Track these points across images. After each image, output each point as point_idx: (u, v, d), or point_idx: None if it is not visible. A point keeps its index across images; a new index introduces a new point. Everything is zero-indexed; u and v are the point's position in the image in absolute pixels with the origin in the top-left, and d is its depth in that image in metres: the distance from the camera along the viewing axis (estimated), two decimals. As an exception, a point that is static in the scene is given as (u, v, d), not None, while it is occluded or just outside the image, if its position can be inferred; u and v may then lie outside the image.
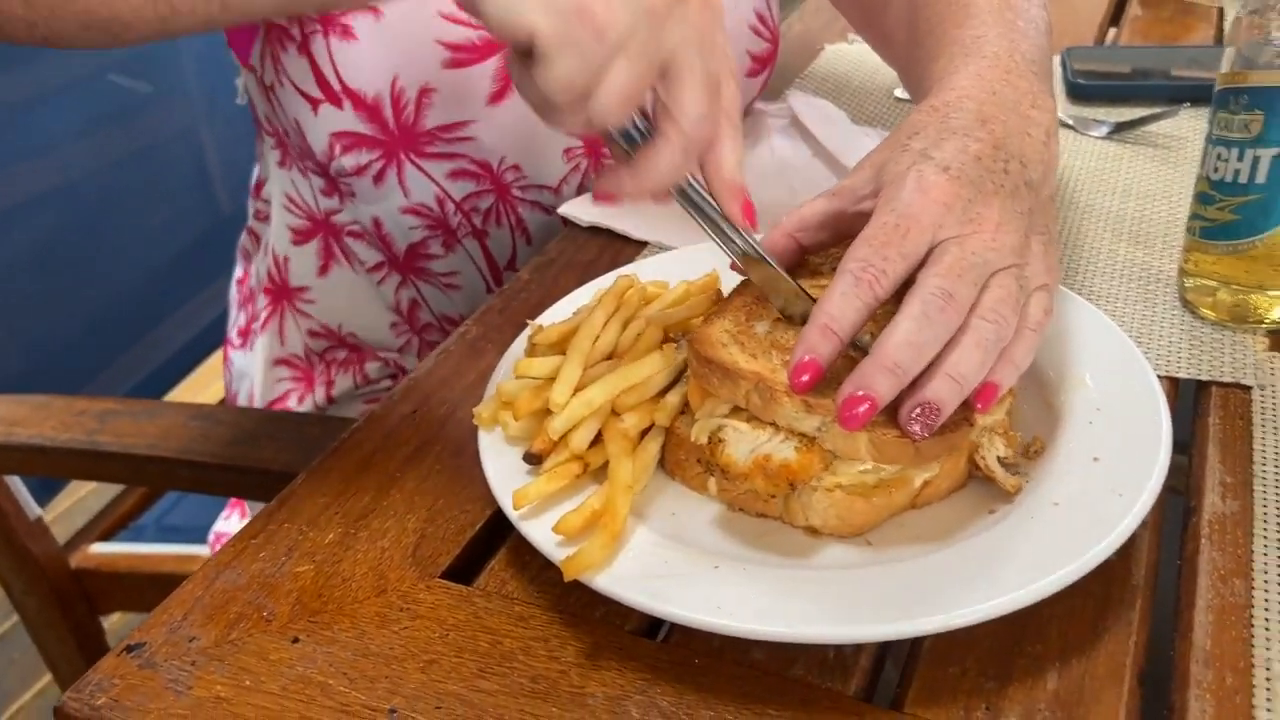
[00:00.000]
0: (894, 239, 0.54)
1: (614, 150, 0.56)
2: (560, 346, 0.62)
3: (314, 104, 0.84)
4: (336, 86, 0.82)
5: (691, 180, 0.58)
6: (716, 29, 0.54)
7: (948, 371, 0.52)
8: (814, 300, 0.57)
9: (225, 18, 0.62)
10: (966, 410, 0.54)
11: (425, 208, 0.91)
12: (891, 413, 0.52)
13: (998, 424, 0.57)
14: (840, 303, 0.53)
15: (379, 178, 0.88)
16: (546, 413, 0.58)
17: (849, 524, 0.54)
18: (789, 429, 0.54)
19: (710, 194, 0.58)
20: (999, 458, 0.56)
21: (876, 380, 0.51)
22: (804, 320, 0.55)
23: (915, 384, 0.52)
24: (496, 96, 0.87)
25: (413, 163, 0.87)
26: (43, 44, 0.64)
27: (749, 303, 0.61)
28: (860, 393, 0.50)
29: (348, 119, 0.84)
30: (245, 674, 0.51)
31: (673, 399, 0.59)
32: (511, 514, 0.55)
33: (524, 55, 0.51)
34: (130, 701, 0.50)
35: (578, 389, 0.58)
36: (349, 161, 0.86)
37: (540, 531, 0.54)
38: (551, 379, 0.59)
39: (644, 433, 0.59)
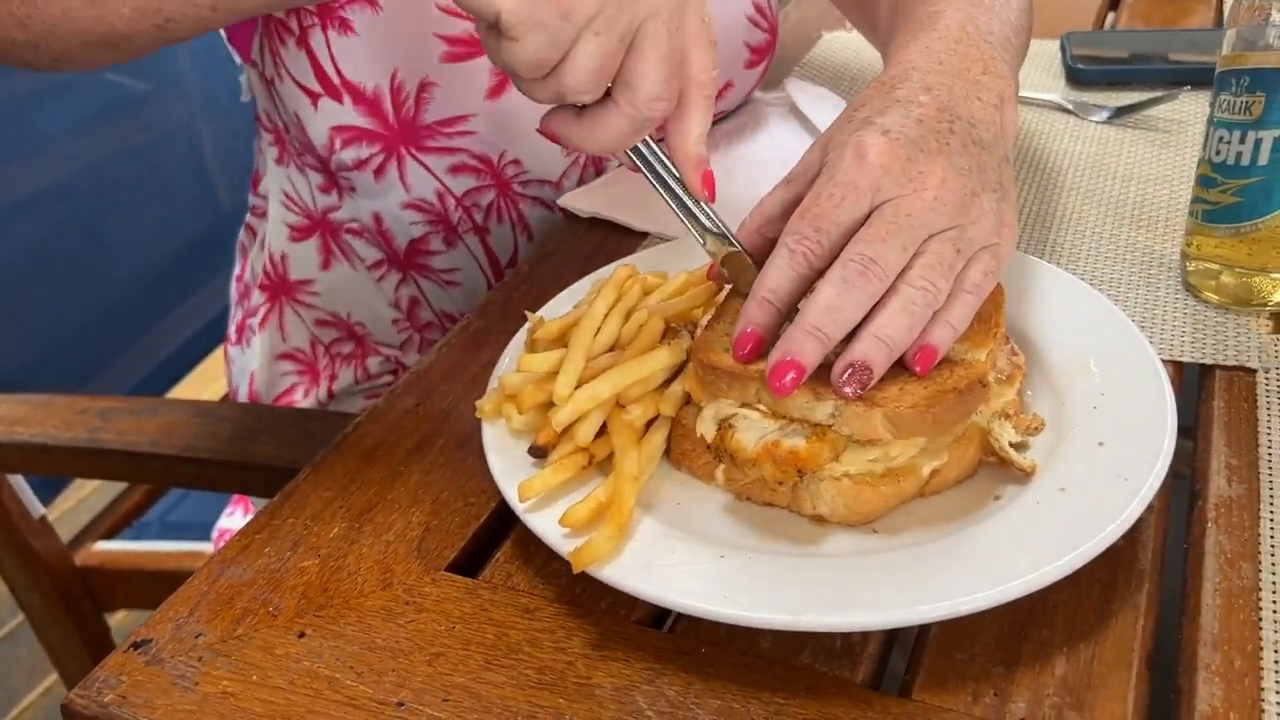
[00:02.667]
0: (828, 207, 0.55)
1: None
2: (562, 340, 0.62)
3: (314, 98, 0.84)
4: (336, 80, 0.82)
5: (655, 148, 0.58)
6: (689, 1, 0.55)
7: (874, 333, 0.53)
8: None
9: (217, 18, 0.62)
10: (975, 376, 0.54)
11: (426, 203, 0.90)
12: (902, 388, 0.53)
13: (1009, 405, 0.57)
14: (776, 275, 0.55)
15: (379, 172, 0.88)
16: (550, 406, 0.58)
17: (857, 513, 0.54)
18: (802, 419, 0.53)
19: (672, 162, 0.58)
20: (1011, 442, 0.56)
21: (800, 344, 0.52)
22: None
23: (846, 347, 0.53)
24: (496, 90, 0.86)
25: (413, 157, 0.87)
26: (54, 67, 0.64)
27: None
28: (787, 358, 0.51)
29: (348, 113, 0.84)
30: (252, 669, 0.51)
31: (677, 389, 0.59)
32: (517, 507, 0.55)
33: (494, 28, 0.51)
34: (137, 698, 0.50)
35: (581, 381, 0.57)
36: (349, 155, 0.86)
37: (546, 524, 0.54)
38: (555, 373, 0.59)
39: (649, 423, 0.59)
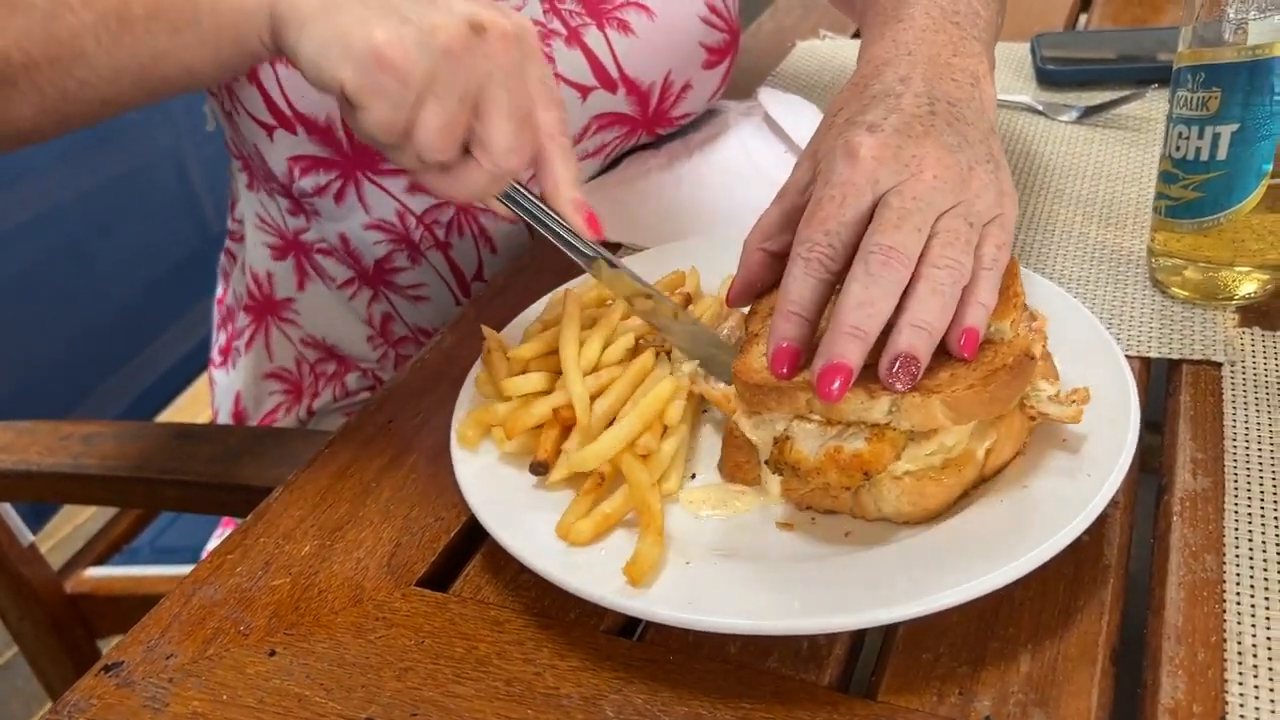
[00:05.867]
0: (831, 210, 0.55)
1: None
2: (542, 363, 0.62)
3: (269, 130, 0.84)
4: (288, 113, 0.83)
5: (523, 190, 0.60)
6: (527, 61, 0.57)
7: (911, 322, 0.53)
8: (659, 296, 0.62)
9: (109, 110, 0.62)
10: (1022, 350, 0.54)
11: (387, 223, 0.91)
12: (953, 373, 0.53)
13: (1044, 369, 0.57)
14: (796, 286, 0.55)
15: (339, 196, 0.88)
16: (538, 428, 0.59)
17: (922, 508, 0.54)
18: (859, 421, 0.53)
19: (553, 210, 0.60)
20: (1049, 397, 0.56)
21: (842, 347, 0.52)
22: (655, 318, 0.61)
23: (886, 343, 0.53)
24: None
25: (370, 180, 0.88)
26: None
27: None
28: (832, 363, 0.51)
29: (303, 143, 0.85)
30: (223, 688, 0.52)
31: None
32: (510, 542, 0.54)
33: (346, 101, 0.55)
34: (108, 720, 0.50)
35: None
36: (308, 183, 0.87)
37: (527, 546, 0.54)
38: (538, 393, 0.60)
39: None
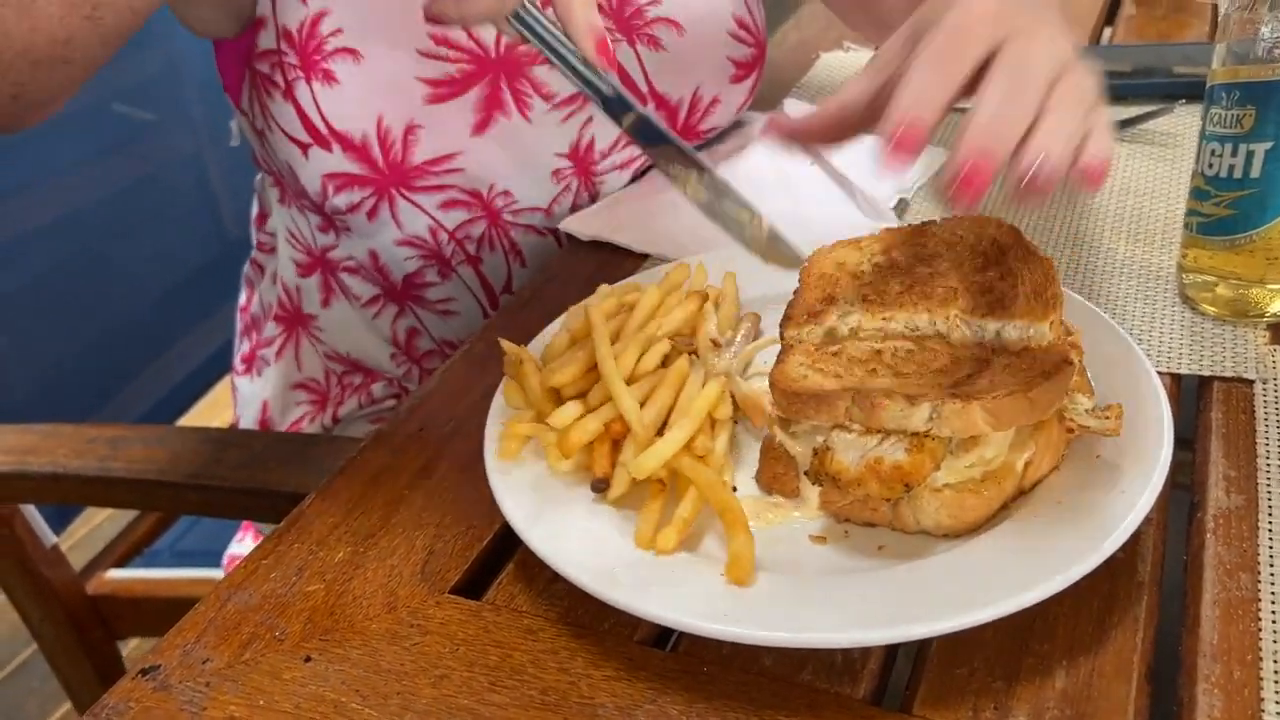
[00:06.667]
0: (950, 50, 0.54)
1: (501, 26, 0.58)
2: (575, 387, 0.63)
3: (303, 148, 0.85)
4: (324, 130, 0.83)
5: (539, 16, 0.58)
6: None
7: (1043, 139, 0.52)
8: (691, 155, 0.58)
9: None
10: (1059, 357, 0.54)
11: (419, 239, 0.92)
12: (993, 381, 0.53)
13: (1076, 383, 0.57)
14: (924, 85, 0.53)
15: (372, 213, 0.89)
16: (591, 444, 0.59)
17: (962, 521, 0.54)
18: (899, 430, 0.53)
19: (566, 35, 0.58)
20: (1086, 409, 0.56)
21: (983, 141, 0.51)
22: (685, 177, 0.57)
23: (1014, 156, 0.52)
24: (480, 126, 0.88)
25: (404, 197, 0.88)
26: (19, 113, 0.65)
27: (810, 329, 0.61)
28: (975, 159, 0.51)
29: (337, 160, 0.85)
30: (259, 694, 0.52)
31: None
32: (546, 550, 0.54)
33: None
34: (146, 724, 0.51)
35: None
36: (342, 201, 0.87)
37: (561, 554, 0.54)
38: (587, 412, 0.60)
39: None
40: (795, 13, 1.40)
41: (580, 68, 0.59)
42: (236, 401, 1.11)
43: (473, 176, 0.90)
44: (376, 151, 0.85)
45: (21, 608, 1.16)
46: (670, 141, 0.61)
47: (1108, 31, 1.29)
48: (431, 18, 0.58)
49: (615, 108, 0.60)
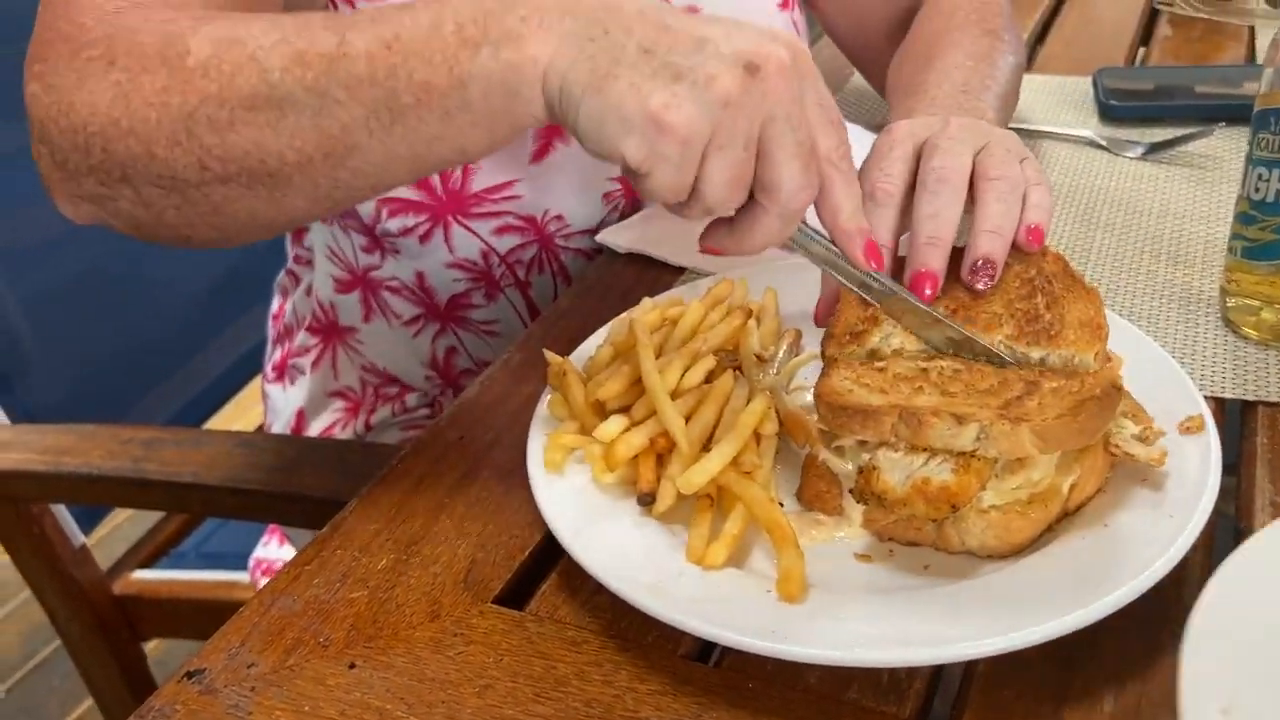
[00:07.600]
0: (882, 152, 0.66)
1: None
2: (620, 401, 0.63)
3: None
4: None
5: (815, 235, 0.59)
6: (805, 87, 0.54)
7: (983, 229, 0.61)
8: (948, 323, 0.60)
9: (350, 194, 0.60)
10: (1109, 381, 0.55)
11: (470, 262, 0.92)
12: (1041, 403, 0.54)
13: (1127, 407, 0.57)
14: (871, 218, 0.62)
15: (425, 237, 0.89)
16: (636, 458, 0.59)
17: (1008, 543, 0.54)
18: (945, 449, 0.53)
19: (832, 241, 0.59)
20: (1133, 435, 0.56)
21: (924, 256, 0.61)
22: (945, 345, 0.60)
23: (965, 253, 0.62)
24: (539, 154, 0.88)
25: (459, 223, 0.89)
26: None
27: (852, 349, 0.61)
28: (919, 271, 0.61)
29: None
30: (304, 699, 0.52)
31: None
32: (588, 559, 0.54)
33: (629, 169, 0.53)
34: (192, 727, 0.51)
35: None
36: (395, 224, 0.88)
37: (601, 562, 0.54)
38: (633, 425, 0.60)
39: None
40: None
41: (861, 275, 0.60)
42: (267, 408, 1.12)
43: (528, 203, 0.90)
44: (435, 179, 0.85)
45: (49, 606, 1.17)
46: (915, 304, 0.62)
47: (1142, 52, 1.29)
48: (708, 250, 0.59)
49: (885, 301, 0.61)
